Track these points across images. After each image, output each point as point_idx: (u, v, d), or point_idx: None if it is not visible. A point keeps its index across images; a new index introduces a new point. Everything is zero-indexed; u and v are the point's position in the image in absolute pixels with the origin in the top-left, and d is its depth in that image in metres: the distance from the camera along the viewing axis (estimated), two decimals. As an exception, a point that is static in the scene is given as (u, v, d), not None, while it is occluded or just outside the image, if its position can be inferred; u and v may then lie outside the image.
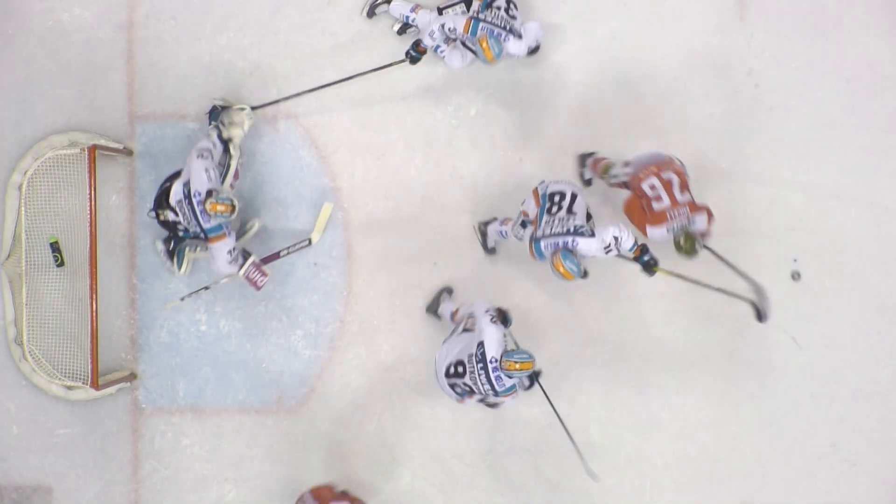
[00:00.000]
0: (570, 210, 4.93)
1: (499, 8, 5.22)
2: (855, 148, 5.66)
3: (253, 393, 5.78)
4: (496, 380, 4.80)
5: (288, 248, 5.65)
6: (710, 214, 5.02)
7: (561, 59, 5.74)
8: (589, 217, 5.03)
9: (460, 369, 4.90)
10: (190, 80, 5.79)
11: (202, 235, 5.21)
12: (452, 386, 4.95)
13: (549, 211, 4.95)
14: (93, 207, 5.42)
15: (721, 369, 5.73)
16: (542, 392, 5.33)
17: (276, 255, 5.63)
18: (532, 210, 5.08)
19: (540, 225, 4.94)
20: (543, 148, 5.75)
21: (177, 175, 5.37)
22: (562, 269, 4.82)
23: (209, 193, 5.13)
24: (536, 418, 5.77)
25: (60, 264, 5.70)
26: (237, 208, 5.16)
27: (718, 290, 5.21)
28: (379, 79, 5.74)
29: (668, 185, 4.99)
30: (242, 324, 5.77)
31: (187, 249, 5.65)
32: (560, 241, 4.85)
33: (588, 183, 5.65)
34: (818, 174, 5.68)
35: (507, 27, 5.19)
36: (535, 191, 5.09)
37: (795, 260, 5.70)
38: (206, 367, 5.81)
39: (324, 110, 5.79)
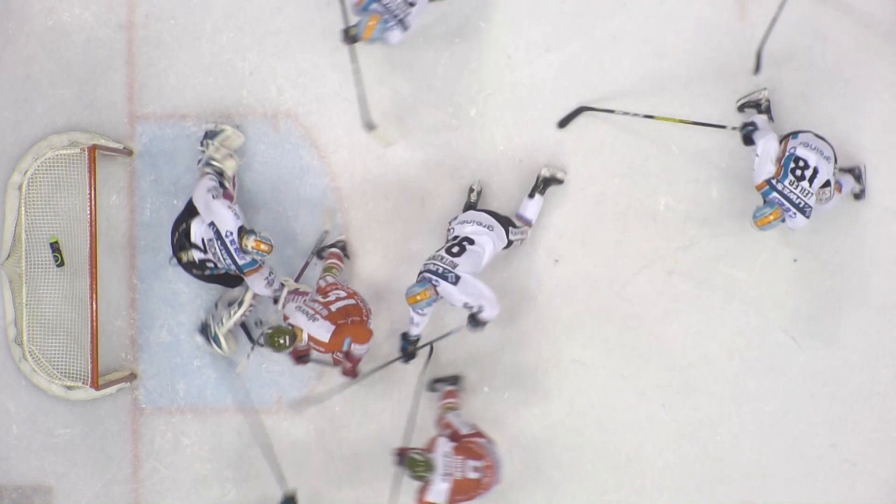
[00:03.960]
0: (450, 252, 5.08)
1: None
2: (855, 148, 5.66)
3: (253, 393, 5.78)
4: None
5: (312, 251, 5.67)
6: None
7: (561, 60, 5.74)
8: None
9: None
10: (190, 80, 5.79)
11: (237, 271, 5.19)
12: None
13: (446, 249, 5.15)
14: (93, 207, 5.42)
15: (721, 369, 5.73)
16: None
17: (305, 265, 5.65)
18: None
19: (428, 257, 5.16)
20: (543, 148, 5.74)
21: (185, 216, 5.30)
22: (419, 297, 4.96)
23: (242, 230, 5.10)
24: (537, 418, 5.77)
25: (60, 264, 5.70)
26: (273, 247, 5.16)
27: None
28: (379, 79, 5.74)
29: None
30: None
31: (216, 328, 5.60)
32: (429, 276, 5.01)
33: None
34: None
35: (398, 16, 5.10)
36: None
37: (795, 260, 5.70)
38: (206, 367, 5.81)
39: (324, 110, 5.79)
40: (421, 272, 5.07)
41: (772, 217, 5.07)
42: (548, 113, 5.74)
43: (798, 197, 5.07)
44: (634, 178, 5.71)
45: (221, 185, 5.34)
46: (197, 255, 5.24)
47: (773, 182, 5.08)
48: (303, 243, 5.77)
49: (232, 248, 5.10)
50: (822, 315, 5.70)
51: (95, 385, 5.46)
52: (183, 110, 5.79)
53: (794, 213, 5.10)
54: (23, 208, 5.68)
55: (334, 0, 5.73)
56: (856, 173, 5.57)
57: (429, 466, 4.87)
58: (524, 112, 5.74)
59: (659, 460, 5.76)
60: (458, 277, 4.99)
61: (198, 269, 5.35)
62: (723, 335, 5.73)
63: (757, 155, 5.13)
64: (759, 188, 5.13)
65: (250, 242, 5.07)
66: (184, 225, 5.28)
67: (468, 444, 5.03)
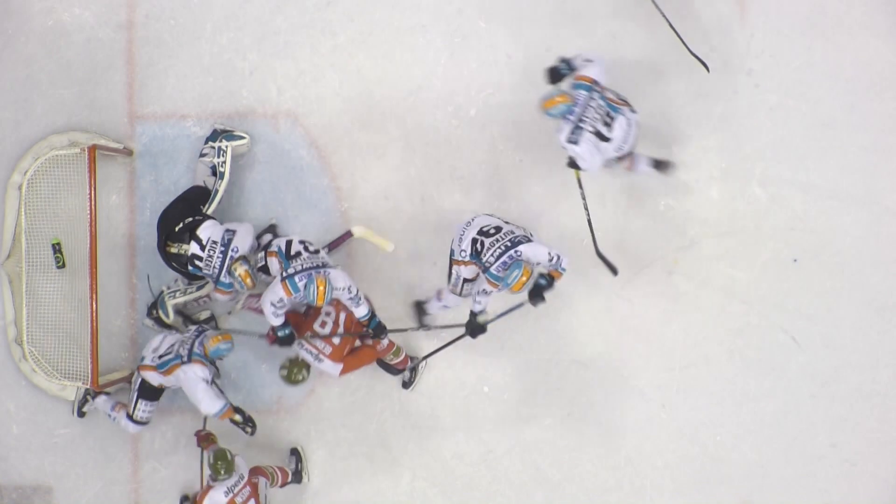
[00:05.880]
0: (487, 235, 5.05)
1: (298, 254, 5.12)
2: (855, 148, 5.66)
3: (253, 393, 5.77)
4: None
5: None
6: None
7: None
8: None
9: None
10: (190, 80, 5.79)
11: (213, 280, 5.29)
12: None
13: (483, 242, 5.04)
14: (93, 208, 5.41)
15: (721, 369, 5.73)
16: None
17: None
18: (467, 272, 5.19)
19: (483, 259, 5.01)
20: (543, 148, 5.74)
21: (186, 208, 5.37)
22: (524, 278, 4.89)
23: (242, 256, 5.22)
24: (537, 418, 5.77)
25: (62, 266, 5.69)
26: (255, 286, 5.26)
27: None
28: (379, 78, 5.74)
29: None
30: (242, 324, 5.76)
31: (167, 297, 5.62)
32: (505, 256, 4.94)
33: None
34: (818, 174, 5.68)
35: (321, 264, 5.08)
36: (452, 259, 5.24)
37: (795, 260, 5.70)
38: (206, 367, 5.80)
39: (324, 110, 5.79)
40: (500, 260, 4.94)
41: (559, 100, 4.98)
42: (548, 113, 5.74)
43: (592, 124, 4.97)
44: (634, 177, 5.71)
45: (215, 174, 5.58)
46: (194, 249, 5.25)
47: (595, 85, 4.99)
48: (303, 243, 5.78)
49: (227, 262, 5.20)
50: (822, 315, 5.70)
51: (95, 385, 5.45)
52: (183, 110, 5.79)
53: (569, 122, 4.98)
54: (23, 208, 5.67)
55: (334, 0, 5.78)
56: (661, 167, 5.50)
57: (228, 469, 5.06)
58: (524, 112, 5.74)
59: (659, 460, 5.76)
60: (528, 238, 5.00)
61: (180, 263, 5.36)
62: (723, 335, 5.73)
63: (590, 60, 5.03)
64: (579, 78, 5.00)
65: (240, 270, 5.17)
66: (191, 219, 5.32)
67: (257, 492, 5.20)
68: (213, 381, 5.24)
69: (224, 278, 5.23)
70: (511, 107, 5.75)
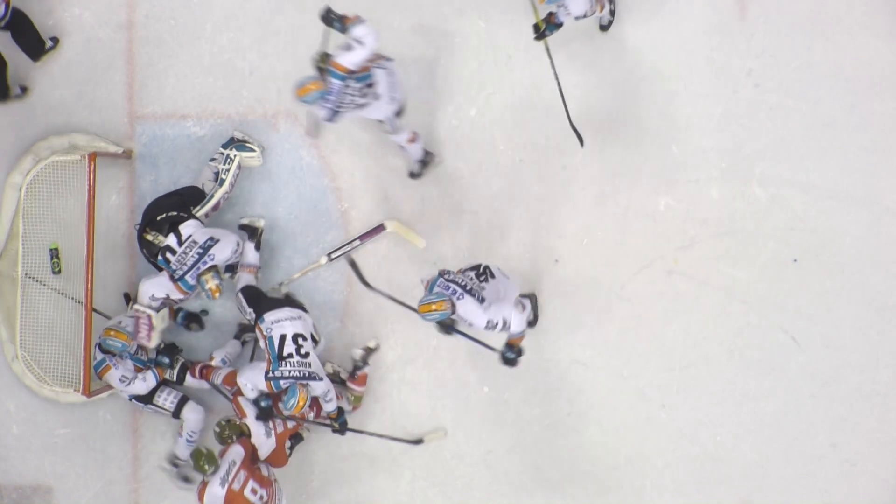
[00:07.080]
0: (477, 276, 4.93)
1: (290, 356, 5.06)
2: (855, 148, 5.66)
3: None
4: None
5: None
6: None
7: (560, 60, 5.72)
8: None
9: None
10: (190, 80, 5.80)
11: (174, 277, 5.25)
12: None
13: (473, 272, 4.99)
14: (91, 215, 5.38)
15: (721, 369, 5.73)
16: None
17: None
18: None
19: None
20: (543, 148, 5.75)
21: (178, 203, 5.39)
22: (433, 306, 4.72)
23: (215, 268, 5.26)
24: (537, 418, 5.77)
25: (58, 271, 5.68)
26: (218, 296, 5.34)
27: None
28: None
29: None
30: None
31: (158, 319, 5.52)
32: (454, 287, 4.79)
33: None
34: (818, 174, 5.68)
35: (307, 374, 5.05)
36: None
37: (795, 260, 5.70)
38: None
39: (324, 110, 5.79)
40: (442, 282, 4.83)
41: (312, 87, 4.64)
42: (548, 113, 5.73)
43: (351, 108, 4.82)
44: (634, 178, 5.71)
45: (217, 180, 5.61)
46: (170, 242, 5.26)
47: (350, 75, 4.67)
48: (302, 243, 5.78)
49: (200, 265, 5.22)
50: (822, 315, 5.70)
51: (87, 392, 5.41)
52: (183, 110, 5.80)
53: (327, 108, 4.74)
54: (20, 212, 5.66)
55: (334, 1, 5.77)
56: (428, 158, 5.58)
57: (211, 461, 4.97)
58: (524, 112, 5.75)
59: (659, 460, 5.76)
60: (484, 299, 4.79)
61: (151, 252, 5.39)
62: (723, 335, 5.73)
63: (360, 42, 4.64)
64: (334, 65, 4.63)
65: (212, 284, 5.26)
66: (176, 213, 5.34)
67: (257, 468, 5.14)
68: (136, 357, 5.42)
69: (189, 279, 5.24)
70: (511, 107, 5.75)
